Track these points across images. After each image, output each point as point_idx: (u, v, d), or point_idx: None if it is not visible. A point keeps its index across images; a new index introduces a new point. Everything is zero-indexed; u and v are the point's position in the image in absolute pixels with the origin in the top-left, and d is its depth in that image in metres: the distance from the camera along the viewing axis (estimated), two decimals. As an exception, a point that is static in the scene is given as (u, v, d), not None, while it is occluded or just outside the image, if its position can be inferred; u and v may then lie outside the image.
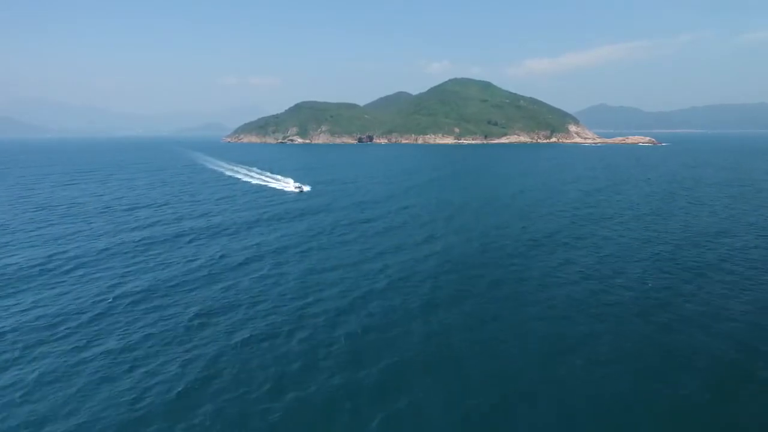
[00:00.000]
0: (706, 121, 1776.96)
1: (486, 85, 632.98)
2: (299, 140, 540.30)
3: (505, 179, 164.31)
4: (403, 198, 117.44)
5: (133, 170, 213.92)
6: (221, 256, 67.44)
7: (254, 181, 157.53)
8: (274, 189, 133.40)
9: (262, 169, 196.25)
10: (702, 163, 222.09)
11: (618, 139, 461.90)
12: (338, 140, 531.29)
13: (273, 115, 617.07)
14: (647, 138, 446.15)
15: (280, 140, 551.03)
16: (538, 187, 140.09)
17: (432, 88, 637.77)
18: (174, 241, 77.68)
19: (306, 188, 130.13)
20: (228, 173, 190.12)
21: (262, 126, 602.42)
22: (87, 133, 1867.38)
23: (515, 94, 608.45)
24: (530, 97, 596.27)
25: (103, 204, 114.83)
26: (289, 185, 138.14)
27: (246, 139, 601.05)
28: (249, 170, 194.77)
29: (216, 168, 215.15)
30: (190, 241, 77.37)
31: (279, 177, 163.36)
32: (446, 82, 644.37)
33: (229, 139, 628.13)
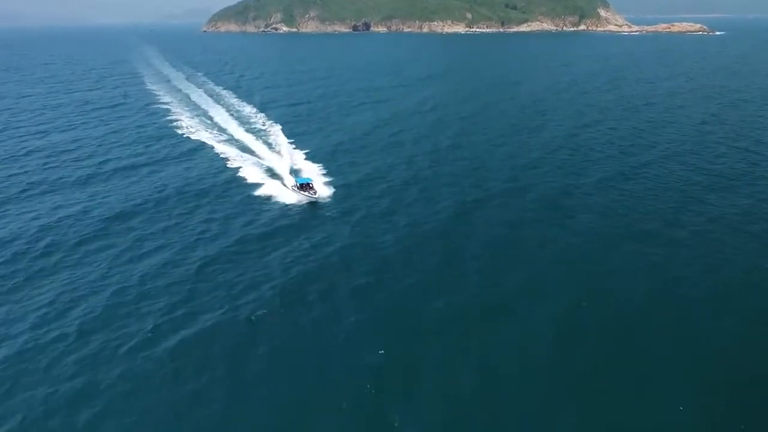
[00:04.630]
0: (737, 4, 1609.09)
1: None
2: (284, 29, 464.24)
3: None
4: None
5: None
6: None
7: (207, 141, 73.58)
8: (244, 193, 52.71)
9: (232, 95, 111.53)
10: None
11: (661, 27, 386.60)
12: (329, 28, 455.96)
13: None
14: (698, 25, 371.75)
15: (262, 29, 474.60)
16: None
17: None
18: None
19: (322, 193, 51.04)
20: (157, 106, 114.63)
21: (241, 11, 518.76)
22: (61, 21, 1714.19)
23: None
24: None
25: None
26: (282, 169, 59.00)
27: (224, 27, 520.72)
28: (207, 99, 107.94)
29: (139, 95, 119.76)
30: None
31: (263, 126, 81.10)
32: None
33: (206, 29, 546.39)
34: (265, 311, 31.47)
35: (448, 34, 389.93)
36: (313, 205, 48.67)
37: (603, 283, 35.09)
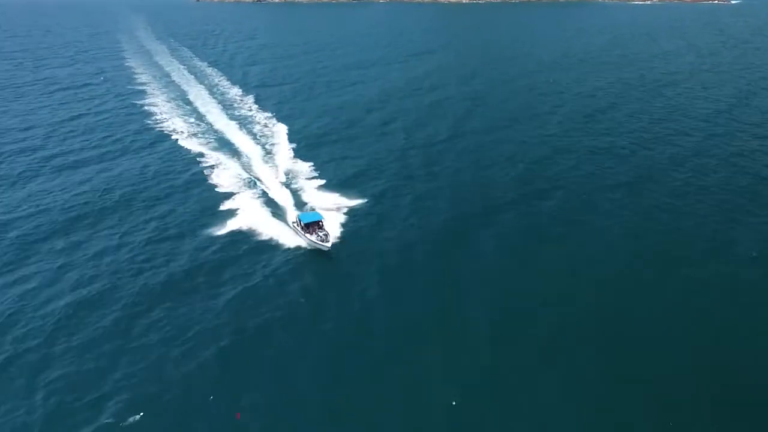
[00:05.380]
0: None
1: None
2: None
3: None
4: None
5: None
6: None
7: (178, 130, 64.52)
8: (209, 203, 43.69)
9: (217, 73, 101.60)
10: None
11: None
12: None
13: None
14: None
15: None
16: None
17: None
18: None
19: (333, 232, 38.04)
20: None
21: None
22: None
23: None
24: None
25: None
26: (266, 174, 49.55)
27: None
28: (189, 77, 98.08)
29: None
30: None
31: (249, 112, 71.75)
32: None
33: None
34: (210, 395, 23.64)
35: (451, 4, 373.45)
36: (325, 255, 34.58)
37: (647, 347, 27.08)
